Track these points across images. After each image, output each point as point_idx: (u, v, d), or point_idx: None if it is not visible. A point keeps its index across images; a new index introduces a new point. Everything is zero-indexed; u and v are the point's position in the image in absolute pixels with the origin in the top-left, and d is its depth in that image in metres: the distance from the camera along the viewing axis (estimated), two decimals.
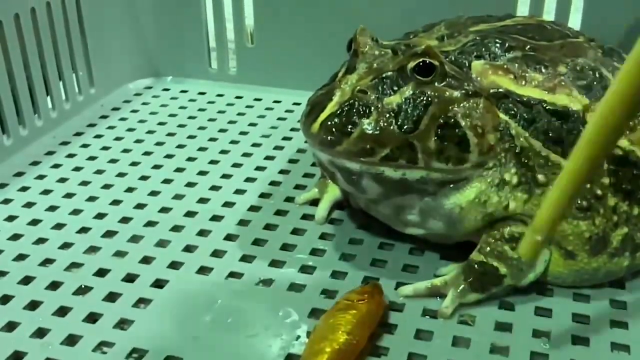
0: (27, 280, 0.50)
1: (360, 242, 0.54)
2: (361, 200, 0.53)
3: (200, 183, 0.62)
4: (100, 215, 0.58)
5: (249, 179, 0.63)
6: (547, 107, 0.47)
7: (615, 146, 0.46)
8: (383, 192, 0.47)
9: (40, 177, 0.63)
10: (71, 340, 0.45)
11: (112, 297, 0.49)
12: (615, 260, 0.48)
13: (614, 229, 0.47)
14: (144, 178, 0.63)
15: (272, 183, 0.62)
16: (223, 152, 0.68)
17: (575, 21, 0.68)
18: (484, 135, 0.46)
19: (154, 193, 0.61)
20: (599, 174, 0.46)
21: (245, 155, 0.67)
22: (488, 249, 0.47)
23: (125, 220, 0.57)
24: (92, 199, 0.60)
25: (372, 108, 0.45)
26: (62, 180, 0.63)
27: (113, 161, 0.66)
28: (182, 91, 0.81)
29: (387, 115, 0.45)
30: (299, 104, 0.76)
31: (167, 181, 0.63)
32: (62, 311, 0.47)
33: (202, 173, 0.64)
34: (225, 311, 0.47)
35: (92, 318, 0.47)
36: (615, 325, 0.47)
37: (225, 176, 0.64)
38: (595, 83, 0.48)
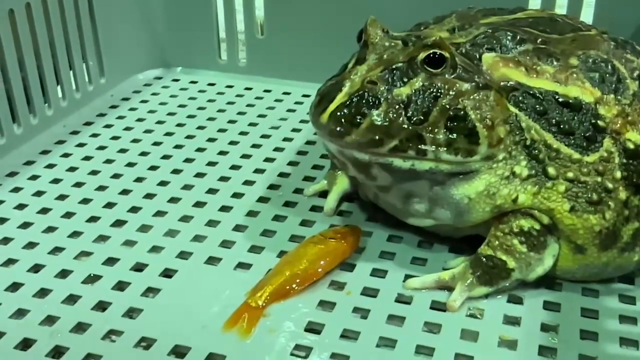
0: (36, 268, 0.50)
1: (369, 234, 0.54)
2: (370, 191, 0.53)
3: (209, 174, 0.62)
4: (109, 205, 0.58)
5: (258, 170, 0.63)
6: (559, 99, 0.46)
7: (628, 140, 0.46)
8: (393, 180, 0.47)
9: (50, 166, 0.64)
10: (80, 328, 0.45)
11: (121, 286, 0.49)
12: (625, 254, 0.47)
13: (624, 223, 0.47)
14: (153, 168, 0.63)
15: (281, 174, 0.62)
16: (232, 143, 0.68)
17: (587, 15, 0.68)
18: (493, 128, 0.45)
19: (163, 183, 0.61)
20: (610, 168, 0.46)
21: (254, 146, 0.67)
22: (497, 242, 0.47)
23: (134, 209, 0.57)
24: (101, 188, 0.60)
25: (382, 99, 0.44)
26: (72, 169, 0.63)
27: (123, 151, 0.66)
28: (192, 82, 0.81)
29: (397, 106, 0.44)
30: (308, 95, 0.76)
31: (176, 171, 0.63)
32: (72, 299, 0.48)
33: (211, 164, 0.64)
34: (233, 302, 0.47)
35: (101, 306, 0.47)
36: (624, 320, 0.46)
37: (234, 167, 0.64)
38: (607, 75, 0.48)
